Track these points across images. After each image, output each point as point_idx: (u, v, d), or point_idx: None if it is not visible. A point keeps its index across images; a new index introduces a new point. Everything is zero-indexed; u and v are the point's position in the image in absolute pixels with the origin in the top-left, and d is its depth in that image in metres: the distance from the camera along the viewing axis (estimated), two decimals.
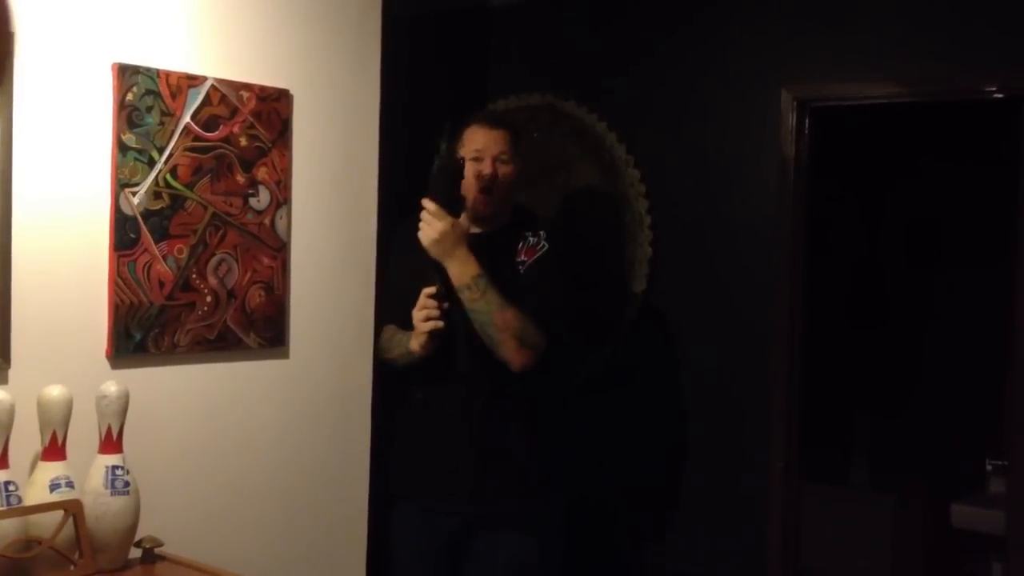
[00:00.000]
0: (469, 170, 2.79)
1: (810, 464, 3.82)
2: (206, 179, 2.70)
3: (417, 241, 2.77)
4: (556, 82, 3.94)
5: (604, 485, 3.77)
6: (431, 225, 2.68)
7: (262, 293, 2.82)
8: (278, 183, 2.85)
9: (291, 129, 2.88)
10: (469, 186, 2.81)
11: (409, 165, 3.61)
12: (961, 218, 4.97)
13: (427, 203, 2.71)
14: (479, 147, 2.81)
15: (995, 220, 3.78)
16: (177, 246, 2.64)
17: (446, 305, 2.72)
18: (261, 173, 2.81)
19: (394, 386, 3.03)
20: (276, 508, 2.89)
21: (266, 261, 2.83)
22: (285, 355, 2.88)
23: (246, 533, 2.81)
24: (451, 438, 2.84)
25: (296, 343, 2.91)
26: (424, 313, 2.71)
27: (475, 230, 2.86)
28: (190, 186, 2.67)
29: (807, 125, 3.56)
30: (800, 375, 3.60)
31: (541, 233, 2.84)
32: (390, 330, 2.98)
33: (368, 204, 3.11)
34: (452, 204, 2.73)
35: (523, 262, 2.81)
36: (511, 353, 2.70)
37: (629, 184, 3.78)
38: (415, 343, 2.77)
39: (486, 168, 2.79)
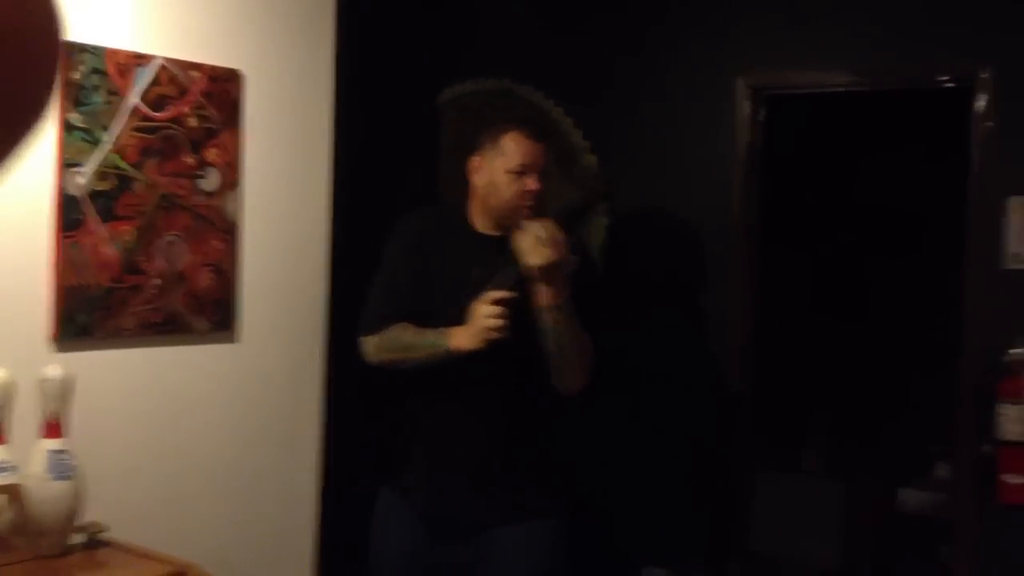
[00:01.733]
0: (513, 184, 2.62)
1: (762, 451, 3.85)
2: (154, 160, 2.66)
3: (430, 240, 2.69)
4: (513, 67, 3.92)
5: (570, 476, 3.77)
6: (553, 247, 2.49)
7: (211, 276, 2.79)
8: (228, 165, 2.82)
9: (242, 110, 2.85)
10: (505, 197, 2.63)
11: (364, 148, 3.58)
12: (914, 207, 5.02)
13: (548, 227, 2.53)
14: (525, 162, 2.62)
15: (947, 209, 3.82)
16: (124, 228, 2.60)
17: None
18: (211, 154, 2.78)
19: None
20: (224, 494, 2.87)
21: (215, 243, 2.79)
22: (234, 339, 2.86)
23: (194, 519, 2.79)
24: (469, 445, 2.71)
25: (246, 327, 2.88)
26: (494, 321, 2.50)
27: (494, 233, 2.68)
28: (138, 167, 2.63)
29: (762, 113, 3.58)
30: (755, 363, 3.62)
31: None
32: (403, 328, 2.67)
33: (322, 187, 3.08)
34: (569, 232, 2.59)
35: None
36: (577, 379, 2.63)
37: (586, 170, 3.78)
38: (465, 342, 2.55)
39: (532, 185, 2.62)
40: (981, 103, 3.18)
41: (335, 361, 3.14)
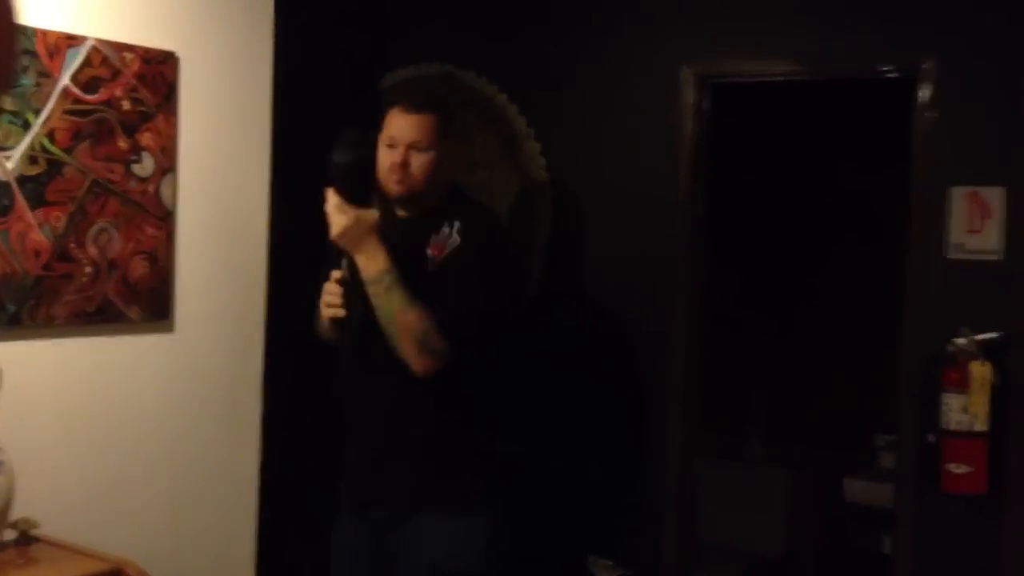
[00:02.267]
0: (383, 156, 2.61)
1: (706, 439, 3.85)
2: (86, 144, 2.57)
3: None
4: (456, 52, 3.87)
5: (511, 463, 3.74)
6: (335, 219, 2.50)
7: (145, 264, 2.71)
8: (163, 149, 2.74)
9: (177, 93, 2.77)
10: (381, 172, 2.61)
11: (305, 134, 3.50)
12: (858, 197, 5.06)
13: (330, 195, 2.52)
14: (394, 134, 2.61)
15: (890, 199, 3.84)
16: (54, 214, 2.52)
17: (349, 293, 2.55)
18: (145, 139, 2.70)
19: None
20: (162, 487, 2.80)
21: (150, 231, 2.71)
22: (170, 329, 2.78)
23: (130, 514, 2.72)
24: (371, 430, 2.70)
25: (182, 317, 2.81)
26: (327, 298, 2.56)
27: (401, 213, 2.67)
28: (68, 151, 2.54)
29: (707, 101, 3.57)
30: (697, 351, 3.62)
31: (455, 224, 2.63)
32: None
33: (261, 172, 3.01)
34: (358, 195, 2.53)
35: (432, 258, 2.62)
36: (411, 357, 2.53)
37: (530, 157, 3.74)
38: (320, 326, 2.67)
39: (396, 157, 2.60)
40: (924, 93, 3.20)
41: (275, 349, 3.08)
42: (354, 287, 2.54)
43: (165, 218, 2.75)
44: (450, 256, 2.60)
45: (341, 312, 2.55)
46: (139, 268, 2.69)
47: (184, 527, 2.85)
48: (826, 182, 5.18)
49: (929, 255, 3.19)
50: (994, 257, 3.10)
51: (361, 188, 2.56)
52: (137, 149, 2.68)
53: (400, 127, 2.62)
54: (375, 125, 3.87)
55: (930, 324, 3.18)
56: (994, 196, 3.10)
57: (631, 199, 3.62)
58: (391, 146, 2.60)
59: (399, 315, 2.51)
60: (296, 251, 3.30)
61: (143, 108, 2.69)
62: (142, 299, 2.70)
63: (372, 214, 2.54)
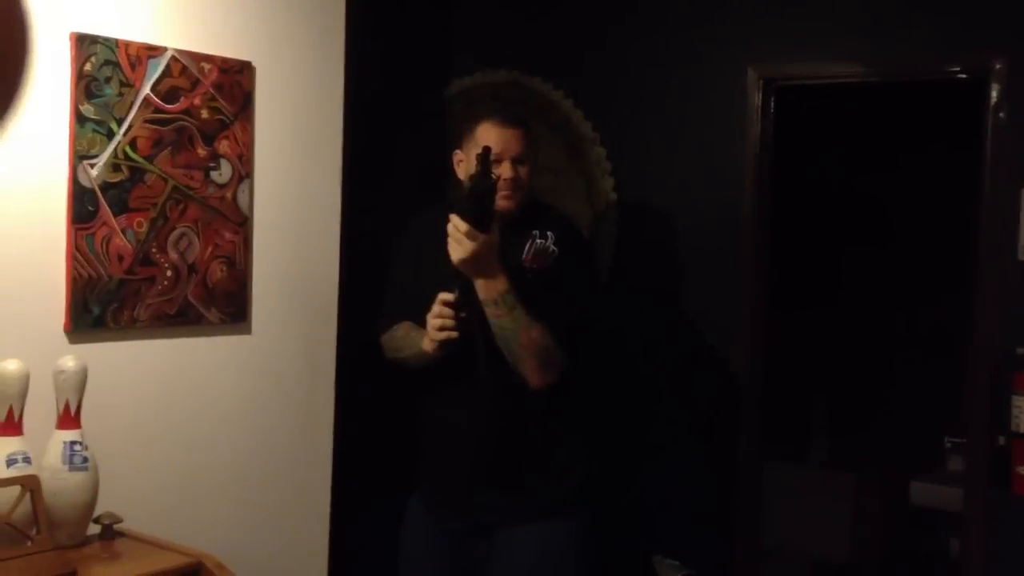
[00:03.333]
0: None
1: (771, 442, 3.84)
2: (166, 152, 2.65)
3: (430, 240, 2.63)
4: (522, 58, 3.91)
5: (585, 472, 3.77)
6: (462, 244, 2.45)
7: (224, 268, 2.79)
8: (240, 157, 2.81)
9: (253, 102, 2.84)
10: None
11: (375, 140, 3.57)
12: (925, 198, 5.01)
13: (456, 221, 2.46)
14: (497, 149, 2.58)
15: (958, 200, 3.81)
16: (136, 219, 2.60)
17: (463, 315, 2.53)
18: (223, 146, 2.77)
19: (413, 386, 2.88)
20: (238, 485, 2.86)
21: (228, 235, 2.79)
22: (247, 331, 2.85)
23: (207, 510, 2.79)
24: (465, 446, 2.70)
25: (258, 319, 2.88)
26: (439, 322, 2.53)
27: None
28: (150, 159, 2.62)
29: (772, 104, 3.56)
30: (764, 354, 3.62)
31: (549, 235, 2.64)
32: (404, 327, 2.77)
33: (332, 179, 3.07)
34: (483, 222, 2.47)
35: (533, 269, 2.62)
36: (532, 373, 2.56)
37: (595, 162, 3.77)
38: (427, 345, 2.60)
39: (505, 172, 2.60)
40: (994, 94, 3.17)
41: (348, 352, 3.14)
42: (468, 309, 2.51)
43: (242, 223, 2.82)
44: (552, 267, 2.62)
45: (455, 334, 2.52)
46: (217, 272, 2.77)
47: (260, 523, 2.92)
48: (890, 181, 5.13)
49: (1001, 257, 3.16)
50: None
51: (486, 217, 2.50)
52: (215, 156, 2.76)
53: (503, 141, 2.62)
54: (443, 131, 3.96)
55: (1001, 326, 3.15)
56: None
57: (696, 203, 3.62)
58: (495, 161, 2.57)
59: (523, 333, 2.52)
60: (367, 255, 3.37)
61: (221, 116, 2.76)
62: (220, 302, 2.78)
63: (495, 237, 2.50)
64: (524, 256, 2.63)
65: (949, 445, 4.73)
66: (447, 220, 2.52)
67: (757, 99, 3.54)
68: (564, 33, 3.88)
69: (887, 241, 5.14)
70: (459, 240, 2.45)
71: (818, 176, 5.18)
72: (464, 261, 2.46)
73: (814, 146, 5.07)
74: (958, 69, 3.32)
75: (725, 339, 3.56)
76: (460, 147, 2.75)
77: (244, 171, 2.82)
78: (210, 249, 2.75)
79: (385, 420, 3.58)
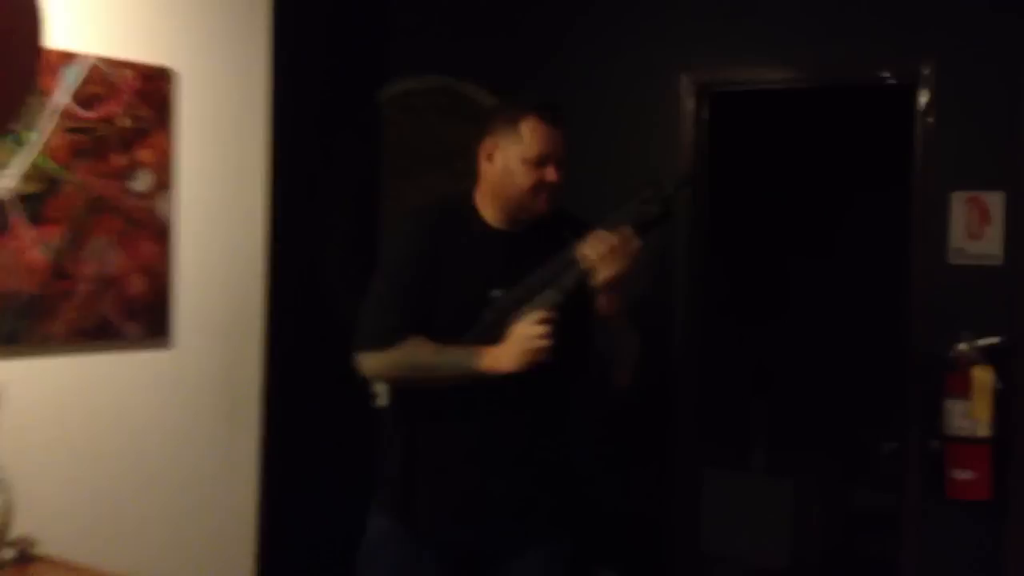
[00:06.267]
0: (528, 175, 2.40)
1: (710, 449, 3.84)
2: (84, 161, 2.58)
3: (458, 237, 2.45)
4: (455, 63, 3.88)
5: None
6: (623, 259, 2.31)
7: (143, 280, 2.71)
8: (161, 165, 2.74)
9: (175, 109, 2.77)
10: (523, 188, 2.40)
11: (304, 147, 3.51)
12: (860, 204, 5.06)
13: (626, 233, 2.33)
14: (545, 151, 2.40)
15: (890, 202, 3.84)
16: (53, 231, 2.52)
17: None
18: (143, 155, 2.70)
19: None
20: (159, 505, 2.79)
21: (148, 246, 2.71)
22: (168, 345, 2.78)
23: (128, 531, 2.71)
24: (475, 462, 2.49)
25: (180, 333, 2.80)
26: (541, 342, 2.31)
27: (507, 228, 2.47)
28: (67, 168, 2.54)
29: (707, 110, 3.57)
30: (699, 362, 3.61)
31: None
32: (424, 343, 2.41)
33: (258, 188, 3.01)
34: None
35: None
36: (627, 375, 2.55)
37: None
38: (505, 363, 2.34)
39: (552, 176, 2.41)
40: (923, 99, 3.20)
41: (273, 366, 3.08)
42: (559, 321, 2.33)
43: (162, 234, 2.75)
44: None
45: (549, 355, 2.33)
46: (137, 284, 2.69)
47: (183, 543, 2.84)
48: (828, 188, 5.17)
49: (931, 261, 3.18)
50: (995, 262, 3.09)
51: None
52: (135, 165, 2.68)
53: (552, 142, 2.42)
54: (375, 137, 3.92)
55: (933, 330, 3.17)
56: (994, 201, 3.09)
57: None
58: (541, 163, 2.40)
59: (636, 340, 2.51)
60: (293, 265, 3.31)
61: (141, 124, 2.69)
62: (140, 316, 2.70)
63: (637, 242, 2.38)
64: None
65: (886, 450, 4.76)
66: (457, 216, 2.42)
67: (691, 105, 3.53)
68: (498, 39, 3.86)
69: (825, 247, 5.18)
70: (618, 255, 2.31)
71: (756, 182, 5.21)
72: (620, 277, 2.33)
73: (753, 152, 5.09)
74: (888, 75, 3.35)
75: (662, 347, 3.54)
76: (492, 137, 2.45)
77: (165, 180, 2.75)
78: (129, 261, 2.67)
79: (315, 436, 3.52)
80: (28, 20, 0.77)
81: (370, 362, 2.45)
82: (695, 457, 3.60)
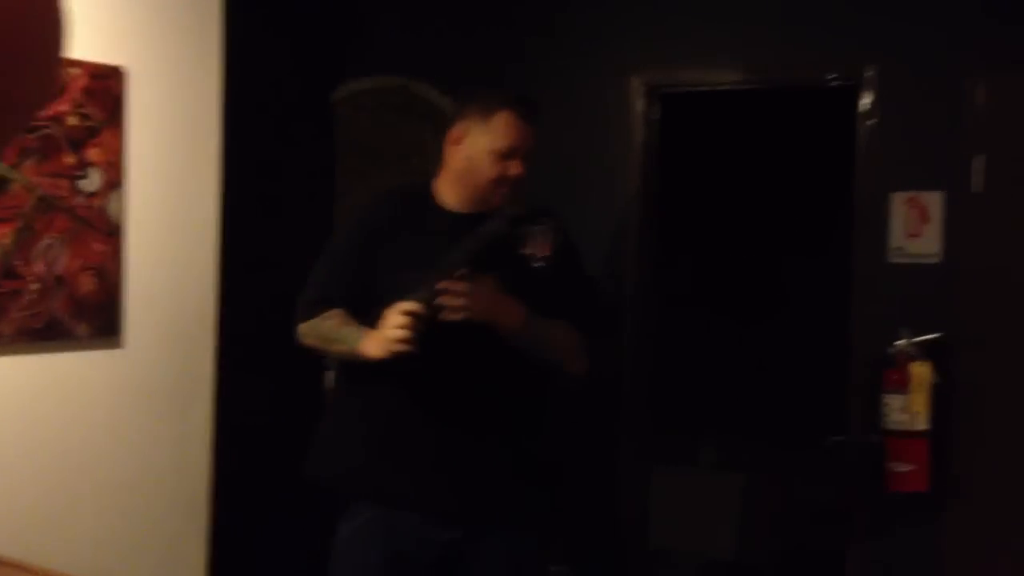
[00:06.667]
0: (495, 167, 2.41)
1: (659, 445, 3.89)
2: (32, 160, 2.56)
3: (402, 222, 2.46)
4: (410, 64, 3.89)
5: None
6: (466, 302, 2.28)
7: (93, 280, 2.70)
8: (110, 164, 2.73)
9: (125, 108, 2.76)
10: (487, 177, 2.42)
11: (257, 145, 3.51)
12: (805, 204, 5.13)
13: (454, 285, 2.29)
14: (516, 145, 2.41)
15: (833, 206, 3.91)
16: (0, 231, 2.50)
17: (422, 330, 2.27)
18: (92, 154, 2.69)
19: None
20: (110, 505, 2.78)
21: (98, 246, 2.71)
22: (119, 345, 2.77)
23: (79, 532, 2.69)
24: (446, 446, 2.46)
25: (131, 332, 2.79)
26: (401, 333, 2.24)
27: (462, 210, 2.47)
28: (14, 168, 2.53)
29: (657, 111, 3.61)
30: (650, 358, 3.66)
31: (547, 221, 2.53)
32: (337, 317, 2.44)
33: (209, 187, 3.01)
34: (480, 265, 2.30)
35: (542, 257, 2.49)
36: (572, 367, 2.54)
37: None
38: (372, 350, 2.32)
39: (517, 170, 2.42)
40: (865, 101, 3.27)
41: (226, 365, 3.08)
42: (428, 321, 2.27)
43: (113, 233, 2.74)
44: (562, 254, 2.53)
45: (409, 348, 2.26)
46: (87, 284, 2.69)
47: (135, 543, 2.83)
48: (775, 188, 5.24)
49: (871, 259, 3.25)
50: (933, 260, 3.17)
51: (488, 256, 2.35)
52: (84, 165, 2.67)
53: (522, 138, 2.44)
54: (329, 137, 3.92)
55: (874, 326, 3.24)
56: (933, 201, 3.17)
57: (582, 208, 3.63)
58: (508, 156, 2.41)
59: (554, 342, 2.46)
60: (246, 265, 3.31)
61: (90, 123, 2.68)
62: (90, 315, 2.69)
63: (490, 278, 2.35)
64: (531, 251, 2.50)
65: (831, 444, 4.84)
66: (409, 196, 2.42)
67: (641, 106, 3.58)
68: (451, 40, 3.87)
69: (772, 245, 5.25)
70: (465, 297, 2.28)
71: (705, 182, 5.27)
72: (484, 311, 2.30)
73: (703, 153, 5.15)
74: (832, 76, 3.42)
75: (611, 344, 3.58)
76: (461, 123, 2.46)
77: (115, 179, 2.74)
78: (79, 261, 2.66)
79: (268, 434, 3.52)
80: (51, 26, 0.78)
81: (300, 329, 2.52)
82: (645, 453, 3.65)
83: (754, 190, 5.26)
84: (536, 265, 2.49)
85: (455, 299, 2.29)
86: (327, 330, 2.46)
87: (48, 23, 0.86)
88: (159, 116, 2.86)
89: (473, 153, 2.43)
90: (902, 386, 3.07)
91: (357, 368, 2.48)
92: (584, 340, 2.54)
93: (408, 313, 2.26)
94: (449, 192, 2.50)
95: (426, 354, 2.30)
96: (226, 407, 3.08)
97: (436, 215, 2.49)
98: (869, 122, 3.26)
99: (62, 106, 2.62)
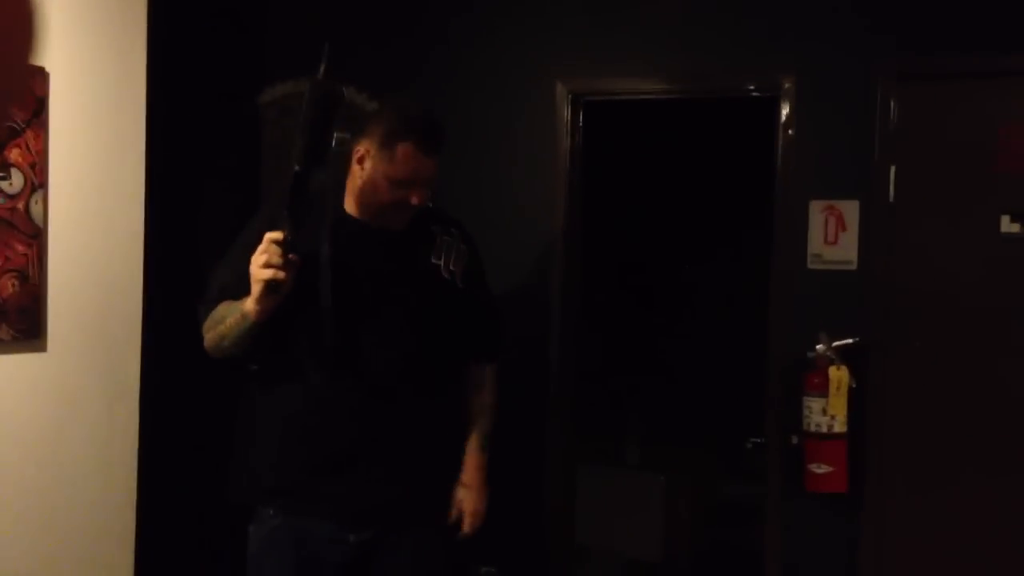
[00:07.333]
0: (390, 192, 2.39)
1: (585, 445, 3.93)
2: None
3: (307, 223, 2.35)
4: (334, 67, 3.87)
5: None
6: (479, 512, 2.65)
7: (15, 283, 2.66)
8: (33, 166, 2.69)
9: (47, 109, 2.73)
10: (383, 201, 2.41)
11: (183, 148, 3.48)
12: (726, 212, 5.24)
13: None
14: (413, 177, 2.40)
15: (754, 214, 4.00)
16: None
17: (292, 257, 2.22)
18: (13, 155, 2.65)
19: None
20: (33, 511, 2.73)
21: (20, 248, 2.66)
22: (42, 348, 2.73)
23: (7, 534, 2.66)
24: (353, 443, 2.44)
25: (54, 336, 2.76)
26: (264, 258, 2.20)
27: (362, 219, 2.47)
28: None
29: (581, 118, 3.66)
30: (576, 360, 3.71)
31: (452, 231, 2.55)
32: (223, 304, 2.41)
33: (134, 189, 2.98)
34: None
35: (453, 271, 2.51)
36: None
37: None
38: (250, 301, 2.26)
39: (415, 199, 2.42)
40: (784, 111, 3.35)
41: (151, 367, 3.05)
42: (295, 250, 2.21)
43: (35, 235, 2.70)
44: (469, 265, 2.56)
45: (281, 275, 2.20)
46: (8, 287, 2.64)
47: (62, 544, 2.79)
48: (698, 195, 5.34)
49: (791, 265, 3.34)
50: (850, 267, 3.27)
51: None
52: (5, 166, 2.63)
53: (420, 171, 2.41)
54: (255, 139, 3.90)
55: (792, 331, 3.33)
56: (849, 209, 3.27)
57: (506, 214, 3.68)
58: (407, 185, 2.40)
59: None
60: (172, 266, 3.28)
61: (11, 124, 2.64)
62: (11, 318, 2.65)
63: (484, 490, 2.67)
64: (443, 261, 2.51)
65: (751, 445, 4.95)
66: (315, 200, 2.34)
67: (566, 113, 3.62)
68: (377, 44, 3.88)
69: (696, 251, 5.35)
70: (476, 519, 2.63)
71: (630, 189, 5.35)
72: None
73: (629, 160, 5.22)
74: (752, 87, 3.50)
75: (538, 348, 3.62)
76: (366, 142, 2.43)
77: (37, 181, 2.70)
78: (0, 263, 2.62)
79: (195, 435, 3.49)
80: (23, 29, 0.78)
81: (203, 331, 2.45)
82: (570, 453, 3.70)
83: (678, 197, 5.35)
84: (446, 276, 2.52)
85: (473, 520, 2.61)
86: (217, 315, 2.42)
87: (21, 30, 0.87)
88: (83, 117, 2.83)
89: (373, 177, 2.42)
90: (821, 390, 3.16)
91: (263, 375, 2.47)
92: (495, 372, 2.66)
93: (273, 242, 2.22)
94: (352, 203, 2.50)
95: (334, 356, 2.36)
96: (152, 409, 3.05)
97: (343, 220, 2.46)
98: (788, 132, 3.35)
99: None
